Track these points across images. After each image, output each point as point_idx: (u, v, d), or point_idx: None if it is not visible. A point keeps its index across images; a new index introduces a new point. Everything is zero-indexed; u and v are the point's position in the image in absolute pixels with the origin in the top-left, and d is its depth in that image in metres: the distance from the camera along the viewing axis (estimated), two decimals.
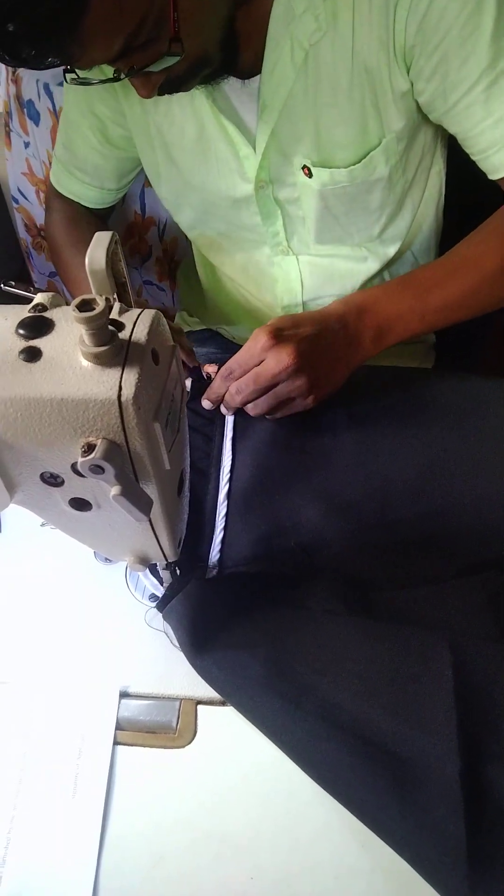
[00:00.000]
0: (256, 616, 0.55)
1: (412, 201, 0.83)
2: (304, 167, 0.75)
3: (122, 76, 0.60)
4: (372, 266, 0.87)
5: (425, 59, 0.65)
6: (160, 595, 0.58)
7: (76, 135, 0.88)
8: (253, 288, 0.95)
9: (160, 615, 0.56)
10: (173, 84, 0.66)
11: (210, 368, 0.72)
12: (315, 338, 0.67)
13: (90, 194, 0.94)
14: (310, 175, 0.75)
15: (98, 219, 0.98)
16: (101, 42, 0.56)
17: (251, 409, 0.68)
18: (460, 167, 0.83)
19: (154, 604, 0.59)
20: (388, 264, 0.88)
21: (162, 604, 0.56)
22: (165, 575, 0.57)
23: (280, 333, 0.65)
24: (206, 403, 0.71)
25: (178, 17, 0.57)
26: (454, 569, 0.58)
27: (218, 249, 0.92)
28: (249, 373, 0.66)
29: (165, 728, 0.53)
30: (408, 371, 0.79)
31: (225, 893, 0.46)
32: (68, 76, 0.63)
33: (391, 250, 0.86)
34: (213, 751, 0.51)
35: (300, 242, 0.85)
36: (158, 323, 0.40)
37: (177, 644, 0.55)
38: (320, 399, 0.68)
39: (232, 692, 0.52)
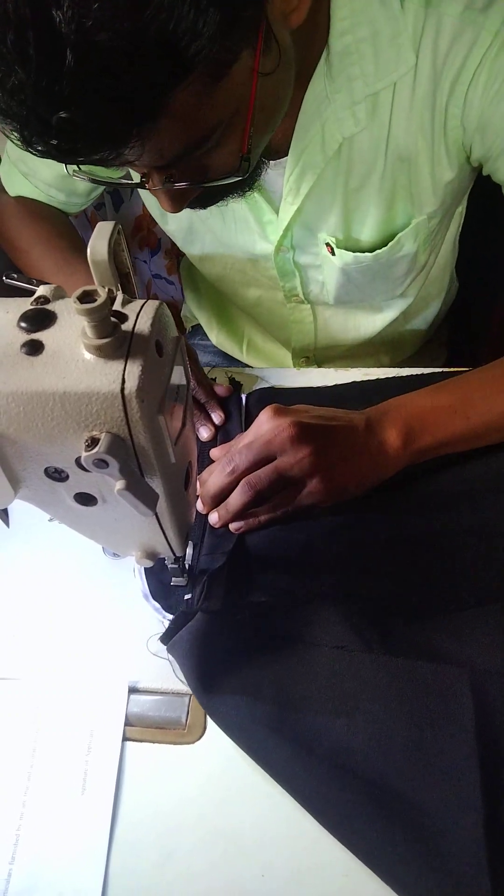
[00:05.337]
0: (264, 656, 0.53)
1: (434, 254, 0.81)
2: (327, 244, 0.72)
3: (157, 185, 0.51)
4: (389, 315, 0.85)
5: (487, 148, 0.62)
6: (165, 610, 0.57)
7: (37, 161, 0.75)
8: (265, 323, 0.93)
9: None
10: (202, 200, 0.58)
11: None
12: (324, 418, 0.60)
13: (53, 202, 0.83)
14: (333, 253, 0.72)
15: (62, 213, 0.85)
16: (170, 139, 0.47)
17: (247, 487, 0.58)
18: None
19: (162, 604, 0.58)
20: (406, 311, 0.86)
21: (166, 637, 0.54)
22: (174, 570, 0.56)
23: (284, 409, 0.60)
24: (212, 518, 0.61)
25: (252, 132, 0.50)
26: (474, 598, 0.55)
27: (230, 283, 0.89)
28: (243, 441, 0.60)
29: (174, 724, 0.52)
30: (420, 380, 0.74)
31: (235, 890, 0.45)
32: (69, 168, 0.51)
33: (409, 301, 0.84)
34: (223, 746, 0.51)
35: (317, 298, 0.83)
36: (162, 314, 0.40)
37: (182, 678, 0.53)
38: (336, 492, 0.59)
39: (240, 736, 0.50)
